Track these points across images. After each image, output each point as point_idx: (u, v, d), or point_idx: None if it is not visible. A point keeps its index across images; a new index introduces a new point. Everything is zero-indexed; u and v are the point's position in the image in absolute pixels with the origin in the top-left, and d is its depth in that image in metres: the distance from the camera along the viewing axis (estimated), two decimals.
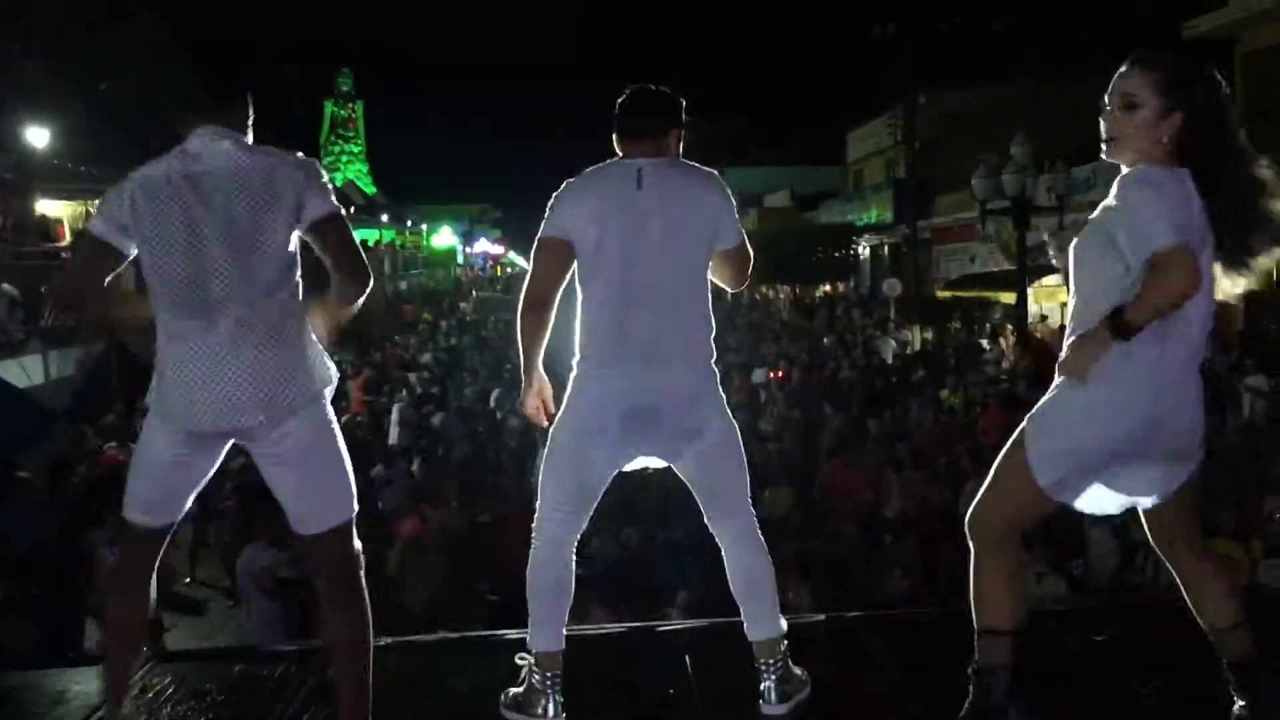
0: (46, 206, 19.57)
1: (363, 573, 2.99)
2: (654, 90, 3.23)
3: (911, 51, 27.21)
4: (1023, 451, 2.78)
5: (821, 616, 4.20)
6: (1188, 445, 2.74)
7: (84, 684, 3.62)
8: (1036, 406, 2.82)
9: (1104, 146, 2.77)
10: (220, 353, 2.77)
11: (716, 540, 3.25)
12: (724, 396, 3.19)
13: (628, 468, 3.22)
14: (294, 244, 2.86)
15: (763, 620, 3.20)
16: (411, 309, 39.60)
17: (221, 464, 3.01)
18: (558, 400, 3.21)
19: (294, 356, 2.84)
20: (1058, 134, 15.89)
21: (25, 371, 14.34)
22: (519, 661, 3.26)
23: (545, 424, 3.23)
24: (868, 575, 7.35)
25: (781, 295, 37.97)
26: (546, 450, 3.20)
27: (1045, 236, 3.31)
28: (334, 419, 2.96)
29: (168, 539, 3.04)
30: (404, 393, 15.92)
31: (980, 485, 2.94)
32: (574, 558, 3.21)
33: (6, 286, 15.11)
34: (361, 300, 2.92)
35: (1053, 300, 20.10)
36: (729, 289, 3.34)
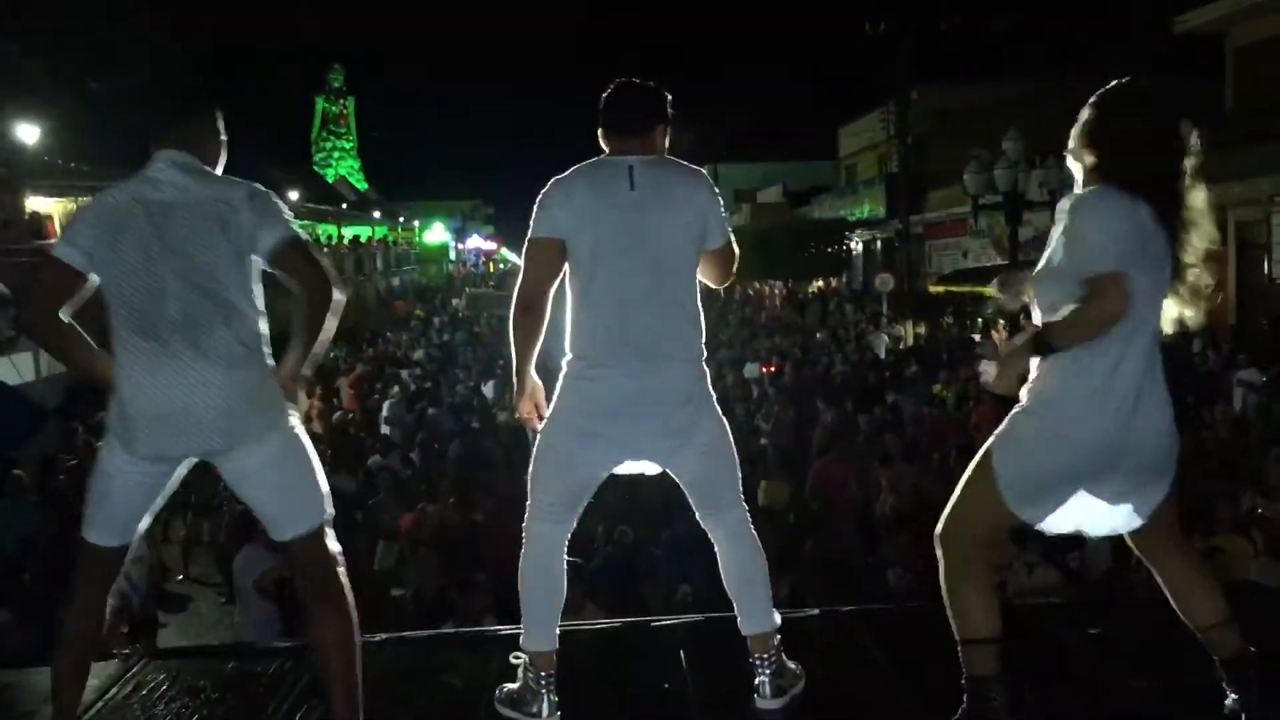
0: (37, 203, 19.50)
1: (343, 570, 3.00)
2: (640, 85, 3.21)
3: (904, 47, 27.21)
4: (990, 472, 2.81)
5: (815, 611, 4.21)
6: (1159, 460, 2.76)
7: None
8: (1001, 426, 2.85)
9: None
10: (175, 379, 2.79)
11: (709, 536, 3.25)
12: (714, 394, 3.19)
13: (620, 471, 3.21)
14: (251, 274, 2.90)
15: (756, 615, 3.20)
16: (403, 305, 39.59)
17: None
18: (550, 402, 3.21)
19: (250, 387, 2.85)
20: (1049, 129, 15.89)
21: (16, 369, 14.32)
22: (513, 660, 3.26)
23: (537, 427, 3.22)
24: (865, 571, 7.38)
25: (774, 291, 37.97)
26: (536, 450, 3.19)
27: (994, 284, 3.32)
28: (301, 432, 2.97)
29: (125, 559, 3.04)
30: (395, 389, 15.89)
31: None
32: (565, 556, 3.21)
33: None
34: (335, 318, 2.93)
35: None
36: (713, 285, 3.33)
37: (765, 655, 3.19)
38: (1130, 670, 3.38)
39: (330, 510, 2.99)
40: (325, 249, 38.74)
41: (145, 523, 3.01)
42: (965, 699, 2.86)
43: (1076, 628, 3.79)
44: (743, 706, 3.19)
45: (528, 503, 3.21)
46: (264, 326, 2.94)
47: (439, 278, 60.62)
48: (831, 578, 6.99)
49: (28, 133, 18.59)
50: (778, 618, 3.24)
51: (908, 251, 27.63)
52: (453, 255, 76.47)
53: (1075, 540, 6.80)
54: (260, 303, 2.94)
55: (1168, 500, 2.82)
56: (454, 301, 38.60)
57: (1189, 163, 2.77)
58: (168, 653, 4.33)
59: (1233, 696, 2.83)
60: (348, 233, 47.96)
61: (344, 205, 54.16)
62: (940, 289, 25.98)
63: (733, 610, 3.24)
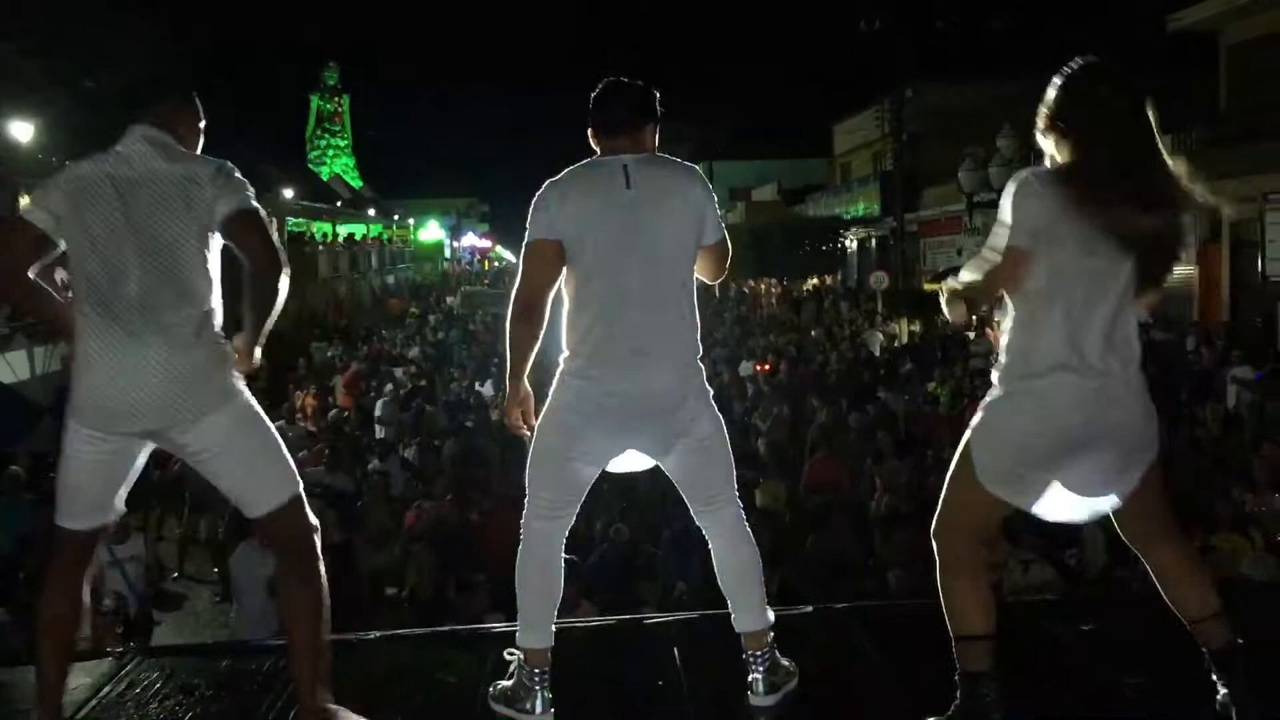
0: None
1: (319, 544, 3.04)
2: (628, 83, 3.21)
3: (899, 45, 27.21)
4: (969, 460, 2.85)
5: (809, 608, 4.21)
6: (1135, 439, 2.76)
7: (70, 679, 3.60)
8: (975, 417, 2.88)
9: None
10: (128, 354, 2.82)
11: (704, 533, 3.25)
12: (710, 391, 3.19)
13: (613, 469, 3.22)
14: (212, 252, 2.92)
15: (750, 611, 3.20)
16: (398, 303, 39.54)
17: None
18: (540, 408, 3.20)
19: (203, 364, 2.87)
20: None
21: (11, 367, 14.30)
22: (507, 657, 3.26)
23: (526, 434, 3.22)
24: (866, 570, 7.38)
25: (769, 288, 37.97)
26: (533, 448, 3.19)
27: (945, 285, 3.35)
28: (255, 404, 2.99)
29: (98, 544, 3.06)
30: (389, 388, 15.86)
31: None
32: (563, 554, 3.21)
33: None
34: (282, 295, 2.94)
35: None
36: (708, 281, 3.34)
37: (759, 652, 3.19)
38: (1124, 667, 3.39)
39: (300, 483, 3.02)
40: (320, 247, 38.81)
41: (115, 508, 3.02)
42: (958, 695, 2.87)
43: (1071, 624, 3.80)
44: (736, 704, 3.19)
45: (525, 500, 3.22)
46: (219, 307, 2.94)
47: (434, 275, 60.55)
48: (829, 575, 7.00)
49: (22, 130, 18.55)
50: (772, 615, 3.24)
51: (902, 249, 27.65)
52: (448, 253, 76.37)
53: (1072, 537, 6.84)
54: (217, 282, 2.94)
55: (1152, 485, 2.83)
56: (449, 299, 38.58)
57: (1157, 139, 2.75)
58: (162, 650, 4.33)
59: (1222, 689, 2.84)
60: (342, 230, 47.91)
61: (339, 203, 54.10)
62: (935, 287, 25.95)
63: (726, 607, 3.25)
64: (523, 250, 3.14)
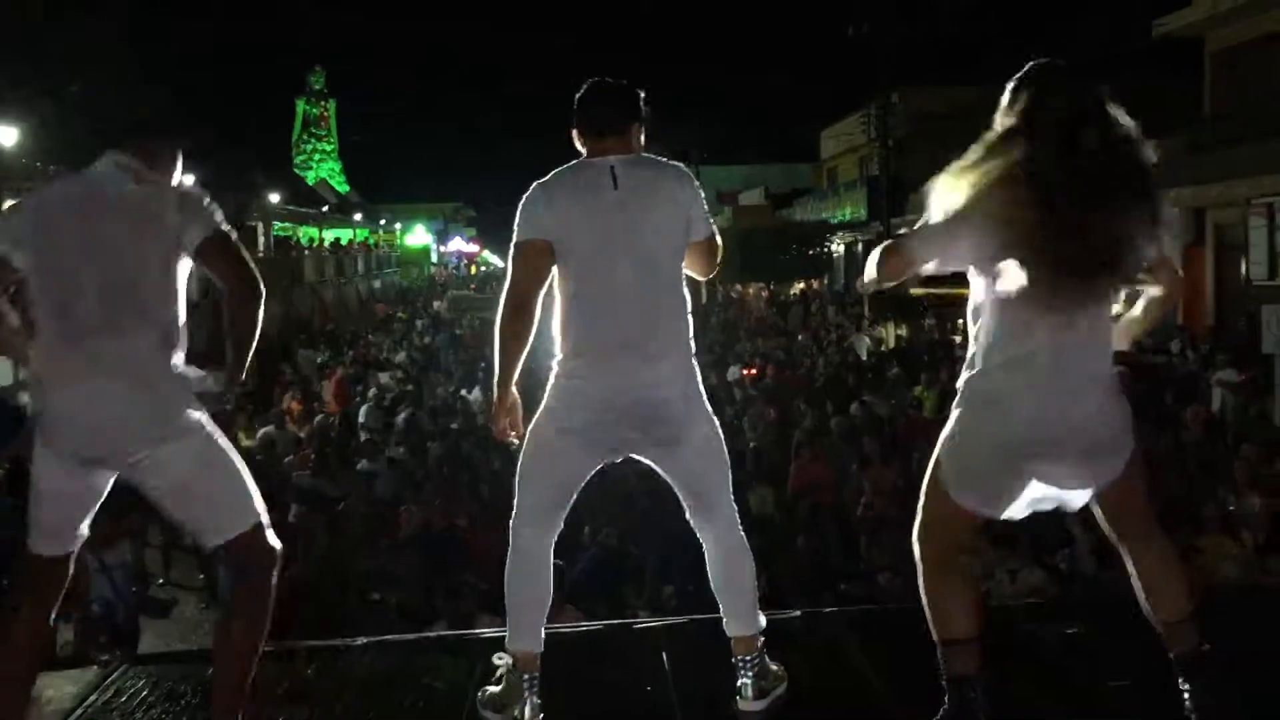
0: None
1: (274, 577, 2.98)
2: (613, 84, 3.21)
3: (885, 50, 27.31)
4: (939, 476, 2.86)
5: (798, 612, 4.21)
6: (1103, 437, 2.76)
7: (54, 689, 3.58)
8: (944, 429, 2.89)
9: None
10: (87, 375, 2.78)
11: (698, 536, 3.25)
12: (705, 393, 3.19)
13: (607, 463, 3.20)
14: (177, 276, 2.88)
15: (742, 616, 3.20)
16: (384, 307, 39.49)
17: None
18: (530, 414, 3.19)
19: (162, 389, 2.84)
20: None
21: None
22: (496, 661, 3.25)
23: (514, 442, 3.21)
24: (857, 574, 7.39)
25: (758, 293, 38.03)
26: (525, 450, 3.17)
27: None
28: (215, 435, 2.94)
29: (69, 571, 3.01)
30: (372, 392, 15.78)
31: None
32: (552, 557, 3.20)
33: None
34: (259, 320, 2.91)
35: None
36: (698, 278, 3.33)
37: (749, 657, 3.19)
38: (1110, 670, 3.40)
39: (260, 513, 2.96)
40: (306, 251, 38.74)
41: (80, 535, 2.98)
42: (945, 699, 2.87)
43: (1057, 627, 3.81)
44: (725, 709, 3.19)
45: (515, 503, 3.20)
46: (182, 333, 2.91)
47: (420, 280, 60.46)
48: (816, 578, 7.01)
49: (6, 135, 18.47)
50: (763, 620, 3.24)
51: None
52: (434, 258, 76.30)
53: (1063, 539, 6.84)
54: (183, 309, 2.91)
55: (1131, 483, 2.83)
56: (435, 304, 38.53)
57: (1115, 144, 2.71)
58: (148, 658, 4.30)
59: (1187, 696, 2.84)
60: (329, 235, 47.83)
61: (325, 208, 54.00)
62: (921, 291, 26.02)
63: (715, 612, 3.25)
64: (511, 252, 3.13)
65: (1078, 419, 2.72)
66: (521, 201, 3.09)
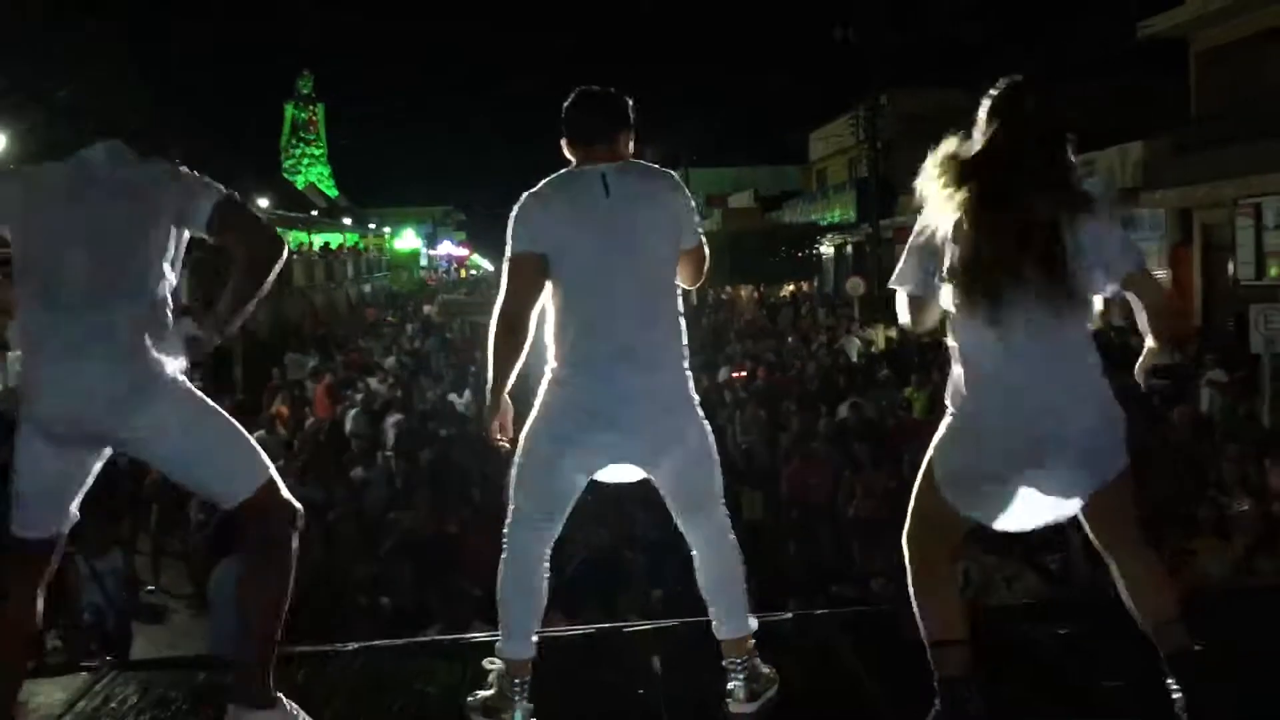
0: None
1: (295, 532, 2.99)
2: (601, 92, 3.22)
3: (873, 53, 27.37)
4: (930, 471, 2.90)
5: (789, 614, 4.22)
6: (1090, 444, 2.78)
7: (44, 694, 3.57)
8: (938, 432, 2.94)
9: None
10: (72, 352, 2.78)
11: (687, 539, 3.24)
12: (697, 399, 3.19)
13: (602, 477, 3.20)
14: (166, 250, 2.88)
15: (732, 619, 3.20)
16: (374, 311, 39.39)
17: None
18: (521, 420, 3.19)
19: (152, 358, 2.83)
20: None
21: None
22: (487, 666, 3.24)
23: (505, 447, 3.21)
24: (849, 577, 7.40)
25: (750, 295, 38.07)
26: (518, 457, 3.17)
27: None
28: (204, 399, 2.95)
29: (56, 556, 3.01)
30: (359, 398, 15.69)
31: None
32: (547, 564, 3.19)
33: None
34: (274, 274, 2.91)
35: None
36: (686, 286, 3.34)
37: (739, 659, 3.19)
38: (1104, 670, 3.41)
39: (270, 470, 2.97)
40: (295, 256, 38.58)
41: (68, 518, 2.97)
42: (937, 700, 2.88)
43: (1050, 627, 3.82)
44: (716, 712, 3.19)
45: (509, 509, 3.20)
46: (169, 307, 2.90)
47: (410, 284, 60.35)
48: (808, 581, 7.02)
49: None
50: (754, 622, 3.24)
51: (878, 256, 27.78)
52: (424, 261, 76.18)
53: (1055, 542, 6.85)
54: (169, 284, 2.91)
55: (1117, 491, 2.85)
56: (426, 308, 38.46)
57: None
58: (138, 664, 4.29)
59: (1177, 694, 2.85)
60: (318, 240, 47.70)
61: (314, 212, 53.87)
62: None
63: (705, 615, 3.25)
64: (505, 265, 3.13)
65: (1066, 431, 2.75)
66: (513, 213, 3.10)
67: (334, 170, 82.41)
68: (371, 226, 63.80)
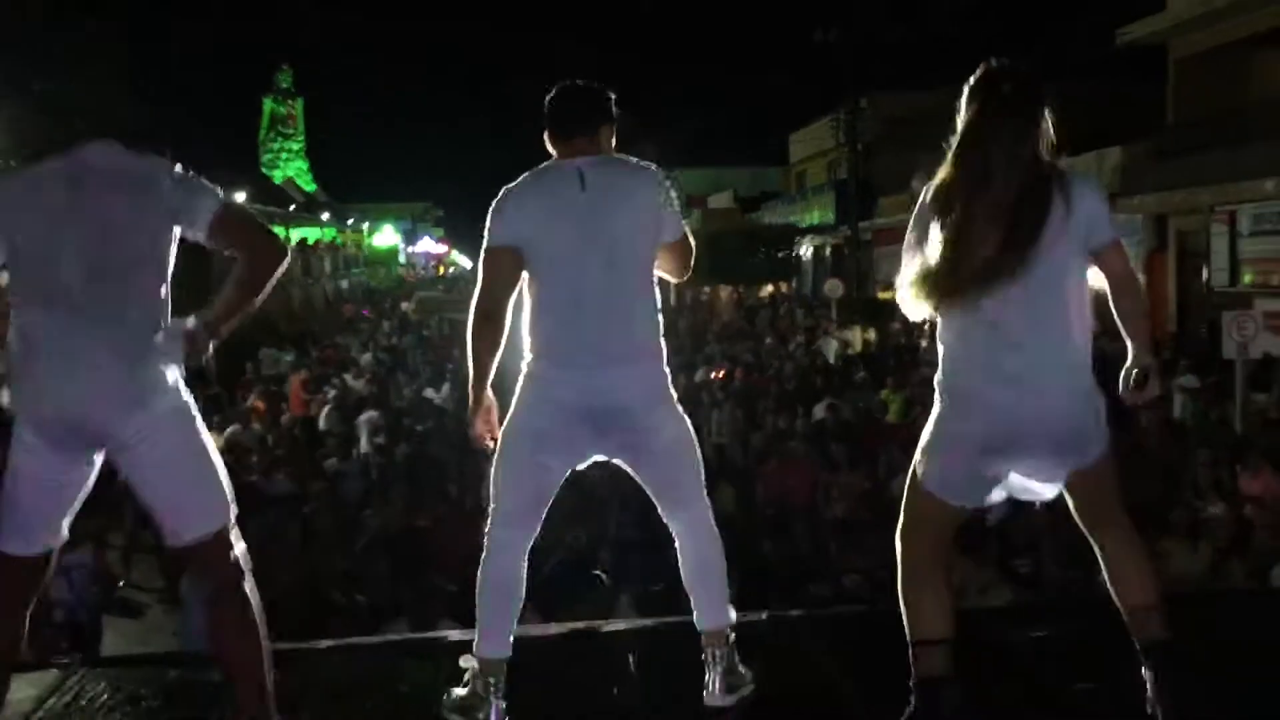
0: None
1: (247, 585, 2.92)
2: (582, 86, 3.22)
3: (853, 55, 27.44)
4: (918, 475, 2.93)
5: (764, 615, 4.22)
6: (1073, 430, 2.80)
7: (13, 691, 3.53)
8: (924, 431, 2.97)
9: None
10: (71, 346, 2.74)
11: (671, 531, 3.25)
12: (675, 394, 3.19)
13: (583, 468, 3.20)
14: (163, 249, 2.84)
15: (713, 609, 3.21)
16: (351, 308, 39.24)
17: None
18: (503, 416, 3.17)
19: (149, 360, 2.79)
20: None
21: None
22: (463, 665, 3.23)
23: (490, 445, 3.20)
24: (826, 576, 7.42)
25: (729, 296, 38.12)
26: (497, 453, 3.16)
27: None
28: (200, 424, 2.91)
29: (45, 575, 2.96)
30: (333, 395, 15.59)
31: None
32: (526, 563, 3.18)
33: None
34: (274, 279, 2.88)
35: None
36: (673, 280, 3.34)
37: (718, 651, 3.19)
38: (1079, 671, 3.42)
39: (233, 512, 2.91)
40: None
41: (60, 532, 2.92)
42: (913, 700, 2.88)
43: (1026, 630, 3.83)
44: (692, 711, 3.19)
45: (490, 507, 3.19)
46: (167, 310, 2.87)
47: (388, 280, 60.15)
48: (783, 580, 7.03)
49: None
50: (734, 613, 3.25)
51: (857, 258, 27.87)
52: (402, 258, 75.95)
53: (1027, 547, 6.90)
54: (166, 284, 2.87)
55: (1099, 474, 2.88)
56: (403, 305, 38.34)
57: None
58: (109, 661, 4.25)
59: (1150, 684, 2.87)
60: (295, 235, 47.47)
61: (292, 207, 53.61)
62: (889, 295, 26.10)
63: (683, 614, 3.25)
64: (481, 257, 3.13)
65: (1046, 413, 2.77)
66: (491, 207, 3.09)
67: (312, 165, 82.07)
68: (350, 222, 63.59)
